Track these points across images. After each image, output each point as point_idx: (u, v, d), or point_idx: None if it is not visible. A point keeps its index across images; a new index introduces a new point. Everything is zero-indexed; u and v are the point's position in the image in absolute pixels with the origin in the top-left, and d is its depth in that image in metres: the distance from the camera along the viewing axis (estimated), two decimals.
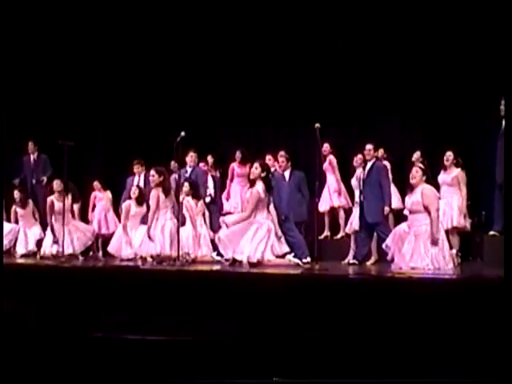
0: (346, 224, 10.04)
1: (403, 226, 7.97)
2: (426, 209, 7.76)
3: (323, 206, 10.34)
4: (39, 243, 10.87)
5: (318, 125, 8.02)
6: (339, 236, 10.43)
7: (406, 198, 8.03)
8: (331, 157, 10.49)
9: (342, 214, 10.46)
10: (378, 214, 8.78)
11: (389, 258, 7.92)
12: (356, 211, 9.40)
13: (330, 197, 10.43)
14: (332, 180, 10.48)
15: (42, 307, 7.29)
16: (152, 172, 9.25)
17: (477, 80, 10.12)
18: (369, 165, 9.02)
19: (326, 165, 10.38)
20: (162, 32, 12.36)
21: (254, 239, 8.13)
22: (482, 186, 9.63)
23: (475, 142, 10.23)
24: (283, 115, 12.02)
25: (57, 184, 10.32)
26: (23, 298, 7.54)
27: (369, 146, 9.08)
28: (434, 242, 7.63)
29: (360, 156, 9.63)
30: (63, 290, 7.69)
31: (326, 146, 10.38)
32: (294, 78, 11.79)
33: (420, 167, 8.15)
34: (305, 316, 6.19)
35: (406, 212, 8.24)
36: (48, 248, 10.36)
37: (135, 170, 10.98)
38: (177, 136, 8.86)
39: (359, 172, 9.47)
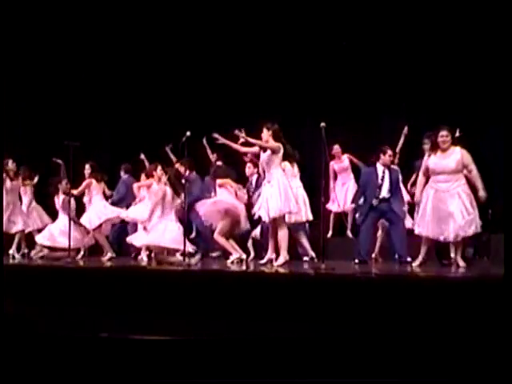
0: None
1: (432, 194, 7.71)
2: (466, 168, 7.61)
3: (335, 206, 10.38)
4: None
5: (323, 124, 7.98)
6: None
7: (435, 160, 7.71)
8: (346, 156, 10.57)
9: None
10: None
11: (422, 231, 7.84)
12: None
13: (346, 197, 10.48)
14: (348, 179, 10.52)
15: (49, 308, 7.30)
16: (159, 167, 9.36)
17: (483, 77, 10.09)
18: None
19: (343, 164, 10.45)
20: (170, 33, 12.39)
21: None
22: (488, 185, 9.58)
23: (481, 140, 10.22)
24: (288, 115, 11.98)
25: (63, 183, 10.32)
26: (30, 298, 7.55)
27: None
28: (482, 199, 7.57)
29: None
30: (69, 291, 7.68)
31: (337, 148, 10.57)
32: (300, 78, 11.77)
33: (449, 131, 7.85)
34: (311, 315, 6.18)
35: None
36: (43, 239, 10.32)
37: None
38: (182, 136, 8.88)
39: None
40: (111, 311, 7.01)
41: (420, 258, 7.98)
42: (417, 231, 7.98)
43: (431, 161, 7.79)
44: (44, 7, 12.13)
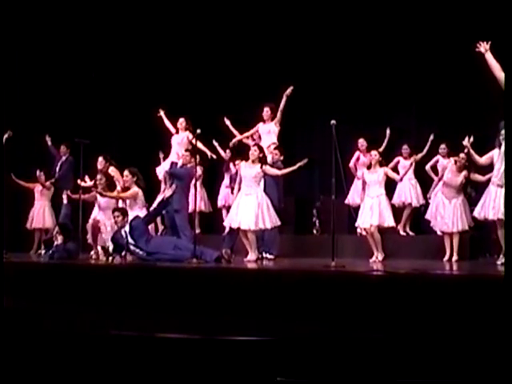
0: None
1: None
2: None
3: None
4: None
5: (333, 121, 7.95)
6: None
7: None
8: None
9: None
10: None
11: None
12: None
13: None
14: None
15: (59, 306, 7.32)
16: (125, 173, 9.49)
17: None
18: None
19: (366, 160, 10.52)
20: (175, 33, 12.43)
21: None
22: None
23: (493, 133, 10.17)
24: (298, 113, 11.98)
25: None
26: (40, 296, 7.59)
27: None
28: None
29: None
30: (78, 289, 7.71)
31: (362, 142, 10.88)
32: (308, 75, 11.77)
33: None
34: (321, 313, 6.17)
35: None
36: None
37: None
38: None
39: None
40: (123, 308, 7.04)
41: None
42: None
43: None
44: (53, 6, 12.18)
